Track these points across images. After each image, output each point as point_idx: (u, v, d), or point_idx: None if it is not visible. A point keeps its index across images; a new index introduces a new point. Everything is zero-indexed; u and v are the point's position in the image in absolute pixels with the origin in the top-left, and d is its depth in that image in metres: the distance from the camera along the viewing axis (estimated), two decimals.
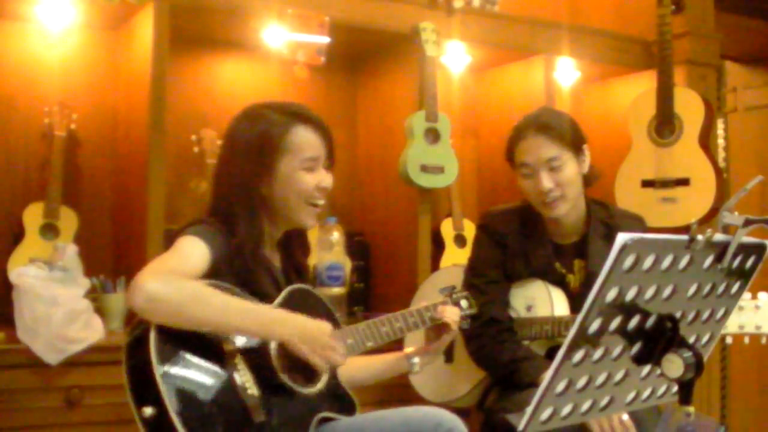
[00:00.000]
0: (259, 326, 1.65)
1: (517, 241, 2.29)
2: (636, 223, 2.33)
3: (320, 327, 1.71)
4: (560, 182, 2.18)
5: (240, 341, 1.67)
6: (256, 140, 1.82)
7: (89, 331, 2.31)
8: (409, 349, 2.04)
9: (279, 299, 1.80)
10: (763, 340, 2.07)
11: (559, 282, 2.28)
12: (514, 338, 2.24)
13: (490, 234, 2.34)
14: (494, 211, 2.41)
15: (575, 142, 2.22)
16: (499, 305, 2.27)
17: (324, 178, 1.86)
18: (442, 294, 2.15)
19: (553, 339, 2.20)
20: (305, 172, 1.83)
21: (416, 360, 2.00)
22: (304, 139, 1.83)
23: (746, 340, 2.08)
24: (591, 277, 2.18)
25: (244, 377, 1.64)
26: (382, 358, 2.05)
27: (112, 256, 2.85)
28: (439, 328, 2.02)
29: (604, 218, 2.30)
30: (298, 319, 1.70)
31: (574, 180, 2.21)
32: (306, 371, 1.77)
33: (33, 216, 2.66)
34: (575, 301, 2.25)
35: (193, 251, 1.67)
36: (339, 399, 1.83)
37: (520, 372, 2.15)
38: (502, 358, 2.20)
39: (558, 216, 2.22)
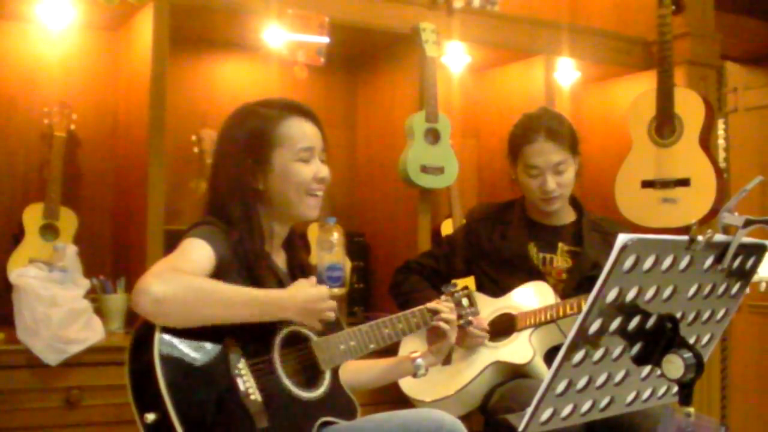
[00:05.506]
0: (264, 311, 1.65)
1: (490, 225, 2.53)
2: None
3: (319, 294, 1.72)
4: (562, 183, 2.43)
5: (244, 346, 1.67)
6: (247, 136, 1.80)
7: (89, 331, 2.31)
8: (415, 353, 2.03)
9: None
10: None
11: (527, 258, 2.44)
12: (421, 279, 2.55)
13: (466, 224, 2.63)
14: (478, 205, 2.69)
15: (575, 145, 2.47)
16: (431, 262, 2.58)
17: (321, 169, 1.85)
18: (444, 291, 2.15)
19: (556, 321, 2.29)
20: (301, 164, 1.82)
21: (421, 361, 1.99)
22: (297, 130, 1.82)
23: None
24: (581, 260, 2.44)
25: (247, 383, 1.63)
26: (386, 360, 2.05)
27: (112, 257, 2.85)
28: (438, 328, 2.01)
29: (586, 213, 2.55)
30: (298, 297, 1.70)
31: (573, 180, 2.47)
32: (309, 375, 1.77)
33: (33, 216, 2.65)
34: (564, 283, 2.42)
35: (197, 252, 1.66)
36: (340, 403, 1.83)
37: (411, 301, 2.37)
38: (404, 289, 2.54)
39: (554, 210, 2.47)
